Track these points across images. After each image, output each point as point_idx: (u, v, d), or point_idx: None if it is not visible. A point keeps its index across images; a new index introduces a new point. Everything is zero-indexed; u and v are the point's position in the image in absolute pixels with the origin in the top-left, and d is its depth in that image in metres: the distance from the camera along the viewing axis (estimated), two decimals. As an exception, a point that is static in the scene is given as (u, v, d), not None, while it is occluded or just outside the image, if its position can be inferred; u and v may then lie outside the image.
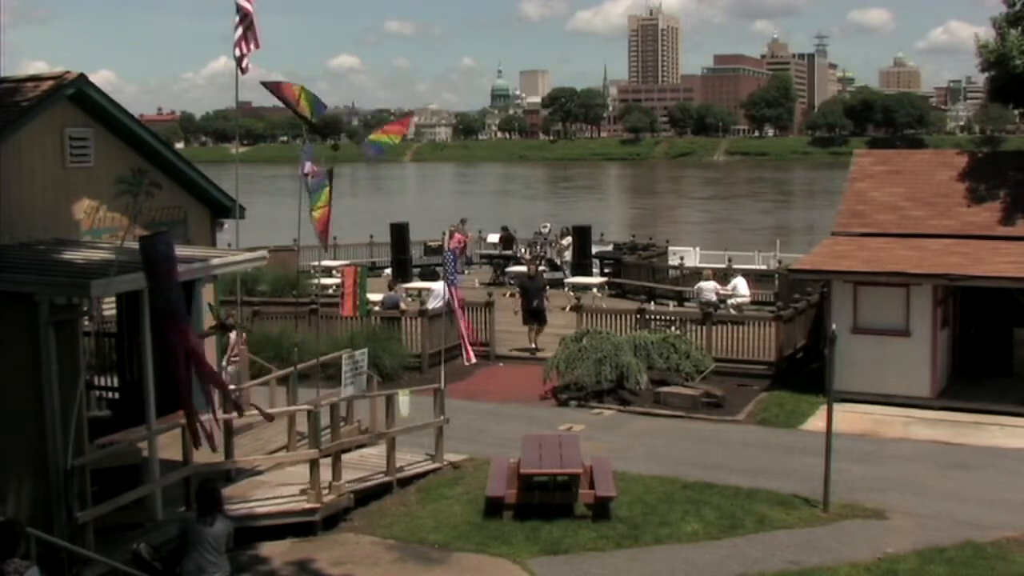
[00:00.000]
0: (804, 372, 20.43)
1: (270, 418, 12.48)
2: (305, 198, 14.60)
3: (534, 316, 22.89)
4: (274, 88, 13.28)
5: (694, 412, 18.25)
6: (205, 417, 10.17)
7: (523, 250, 35.44)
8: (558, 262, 33.41)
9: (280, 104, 13.84)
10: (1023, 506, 13.41)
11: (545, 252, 34.31)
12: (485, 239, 37.17)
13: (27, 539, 9.09)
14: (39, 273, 10.96)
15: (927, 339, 18.27)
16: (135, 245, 11.35)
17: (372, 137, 13.97)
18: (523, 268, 32.11)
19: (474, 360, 16.58)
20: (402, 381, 19.52)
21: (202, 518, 9.46)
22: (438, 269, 29.33)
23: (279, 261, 29.26)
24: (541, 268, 27.28)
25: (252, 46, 14.35)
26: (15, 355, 10.82)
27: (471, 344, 16.61)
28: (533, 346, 22.72)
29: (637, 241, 36.65)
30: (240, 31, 14.23)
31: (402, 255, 33.58)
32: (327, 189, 13.67)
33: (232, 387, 13.74)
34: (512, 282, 31.93)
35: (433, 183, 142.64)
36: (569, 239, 34.05)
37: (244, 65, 14.48)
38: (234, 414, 11.46)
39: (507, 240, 35.30)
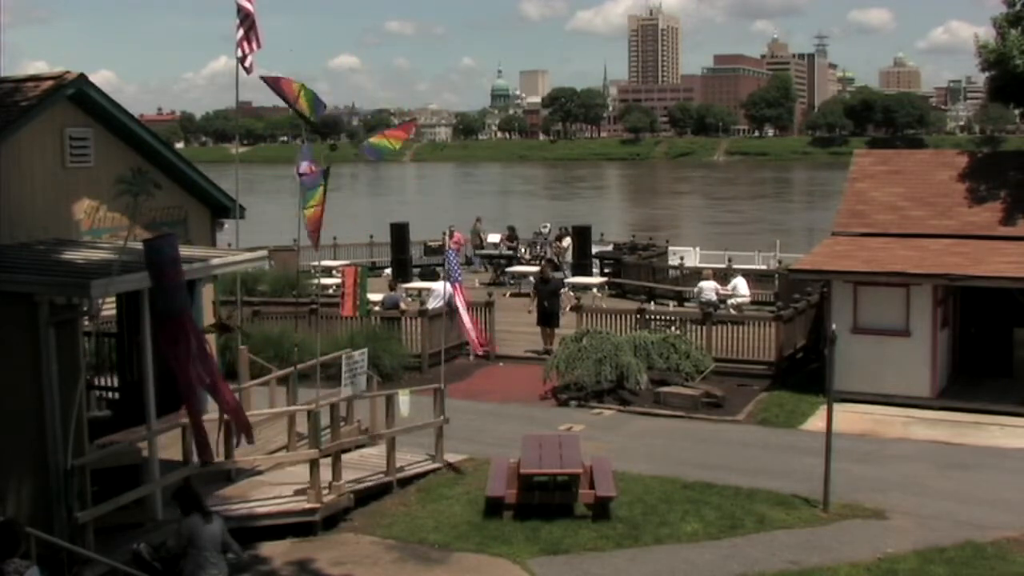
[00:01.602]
0: (804, 372, 20.43)
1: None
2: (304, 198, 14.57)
3: (546, 318, 22.88)
4: (273, 83, 13.17)
5: (694, 412, 18.25)
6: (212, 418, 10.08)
7: (523, 250, 35.49)
8: (558, 262, 33.42)
9: (281, 104, 13.75)
10: (1023, 506, 13.42)
11: (545, 252, 34.34)
12: (485, 239, 37.22)
13: (27, 539, 9.10)
14: (39, 273, 10.96)
15: (927, 339, 18.27)
16: (137, 245, 11.37)
17: (372, 140, 13.81)
18: (523, 268, 32.25)
19: (480, 352, 16.65)
20: (402, 381, 19.51)
21: (203, 517, 9.48)
22: (438, 269, 29.38)
23: (279, 261, 29.34)
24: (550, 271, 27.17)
25: (255, 46, 14.34)
26: (15, 355, 10.81)
27: (479, 342, 16.82)
28: (547, 347, 22.65)
29: (637, 241, 36.68)
30: (242, 32, 14.22)
31: (402, 255, 33.59)
32: (321, 188, 13.58)
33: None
34: (512, 282, 32.00)
35: (433, 183, 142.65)
36: (568, 240, 34.05)
37: (248, 65, 14.46)
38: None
39: (510, 239, 35.40)
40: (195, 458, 11.13)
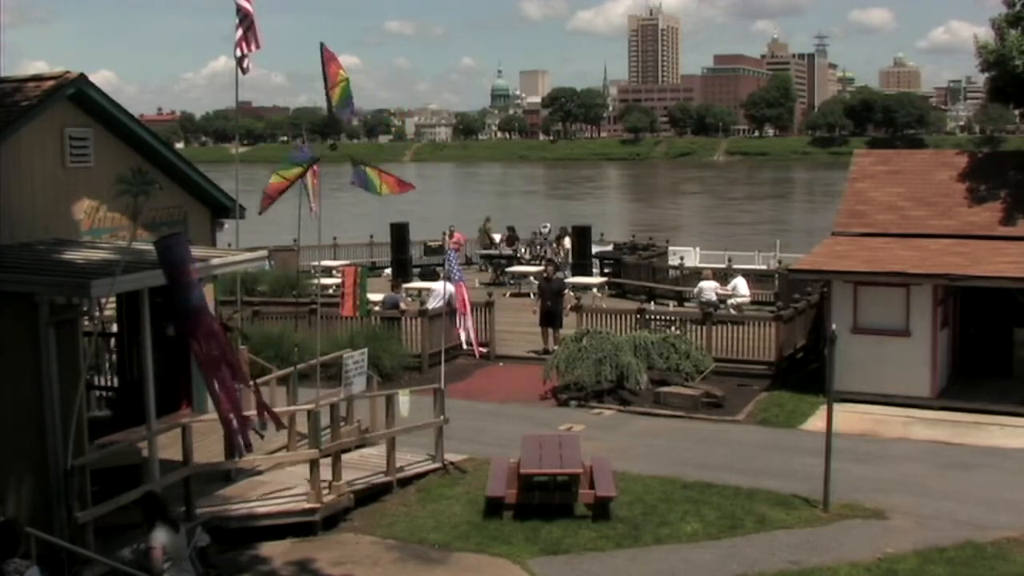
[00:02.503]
0: (804, 372, 20.43)
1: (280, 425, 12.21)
2: (305, 199, 14.58)
3: (549, 318, 22.86)
4: (326, 56, 13.14)
5: (694, 412, 18.24)
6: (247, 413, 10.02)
7: (523, 250, 35.50)
8: (557, 262, 33.42)
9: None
10: (1023, 506, 13.42)
11: (545, 252, 34.36)
12: (493, 239, 37.23)
13: (27, 539, 9.10)
14: (39, 273, 10.96)
15: (927, 339, 18.27)
16: (140, 246, 11.39)
17: (368, 169, 13.70)
18: (523, 268, 32.25)
19: (473, 350, 16.87)
20: (402, 381, 19.51)
21: (171, 526, 9.39)
22: (438, 269, 29.37)
23: (279, 261, 29.37)
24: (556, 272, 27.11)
25: (253, 46, 14.36)
26: (15, 355, 10.82)
27: (477, 343, 16.99)
28: (546, 347, 22.62)
29: (637, 241, 36.67)
30: (241, 32, 14.23)
31: (402, 255, 33.59)
32: (301, 168, 13.42)
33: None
34: (512, 282, 32.00)
35: (433, 183, 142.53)
36: (568, 240, 34.03)
37: (245, 65, 14.48)
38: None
39: (510, 240, 35.42)
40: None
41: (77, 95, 12.96)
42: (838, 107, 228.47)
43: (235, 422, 9.61)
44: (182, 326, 9.65)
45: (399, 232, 33.88)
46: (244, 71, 14.51)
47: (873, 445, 16.34)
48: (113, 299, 14.66)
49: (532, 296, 27.91)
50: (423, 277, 31.90)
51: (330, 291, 26.32)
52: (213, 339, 9.52)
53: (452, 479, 14.64)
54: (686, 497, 13.73)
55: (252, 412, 10.14)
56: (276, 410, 14.71)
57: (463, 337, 16.39)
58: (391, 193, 13.69)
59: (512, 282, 32.08)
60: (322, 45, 13.16)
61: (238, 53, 14.37)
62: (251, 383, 10.37)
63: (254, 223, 16.02)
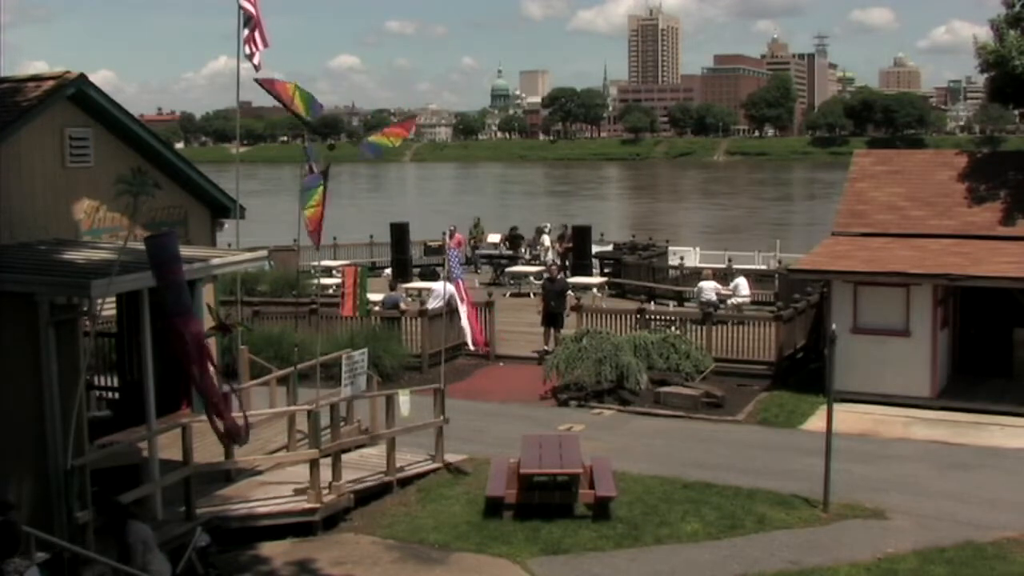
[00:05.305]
0: (804, 372, 20.42)
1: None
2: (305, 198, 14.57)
3: (551, 319, 22.84)
4: (268, 86, 13.21)
5: (694, 412, 18.24)
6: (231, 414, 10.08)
7: (523, 250, 35.54)
8: (549, 262, 33.39)
9: (280, 104, 13.81)
10: (1023, 506, 13.42)
11: (538, 253, 34.45)
12: (484, 239, 37.30)
13: (27, 539, 9.10)
14: (39, 273, 10.97)
15: (927, 339, 18.27)
16: (138, 245, 11.39)
17: (371, 139, 13.81)
18: (523, 268, 32.26)
19: (481, 350, 16.81)
20: (402, 381, 19.51)
21: (138, 519, 9.65)
22: (438, 269, 29.37)
23: (279, 261, 29.38)
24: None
25: (261, 45, 14.43)
26: (15, 355, 10.81)
27: (480, 343, 16.98)
28: (545, 347, 22.61)
29: (637, 241, 36.67)
30: (247, 32, 14.30)
31: (402, 255, 33.58)
32: (320, 188, 13.52)
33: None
34: (512, 282, 32.01)
35: (433, 183, 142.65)
36: (547, 238, 34.05)
37: (256, 62, 14.55)
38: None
39: (514, 240, 35.41)
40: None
41: (77, 95, 12.97)
42: (838, 107, 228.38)
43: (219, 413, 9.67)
44: (168, 324, 9.64)
45: (399, 232, 33.87)
46: (257, 68, 14.58)
47: (873, 445, 16.34)
48: (113, 299, 14.66)
49: (532, 296, 27.91)
50: (423, 277, 31.91)
51: (330, 291, 26.33)
52: (192, 344, 9.48)
53: (452, 479, 14.64)
54: (686, 497, 13.73)
55: (238, 413, 10.17)
56: (275, 410, 14.83)
57: (471, 331, 16.37)
58: (404, 138, 13.82)
59: (512, 282, 32.09)
60: (257, 81, 13.33)
61: (247, 51, 14.41)
62: (222, 391, 10.34)
63: (254, 223, 16.04)
